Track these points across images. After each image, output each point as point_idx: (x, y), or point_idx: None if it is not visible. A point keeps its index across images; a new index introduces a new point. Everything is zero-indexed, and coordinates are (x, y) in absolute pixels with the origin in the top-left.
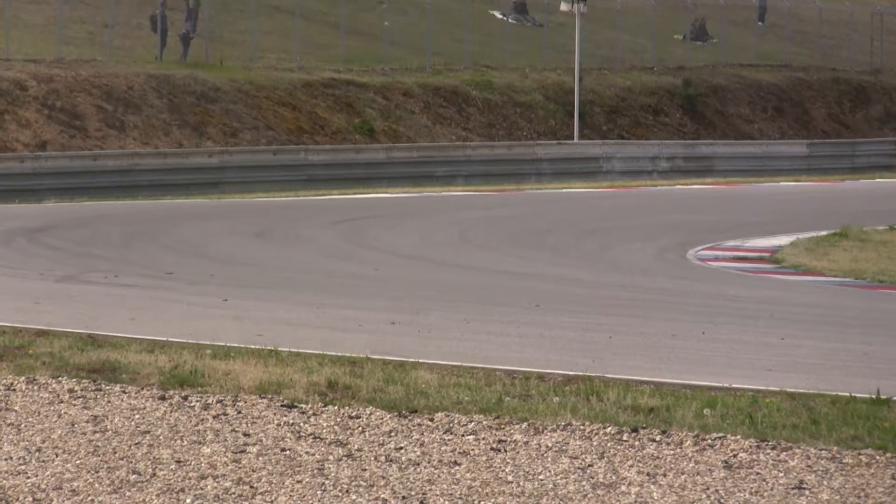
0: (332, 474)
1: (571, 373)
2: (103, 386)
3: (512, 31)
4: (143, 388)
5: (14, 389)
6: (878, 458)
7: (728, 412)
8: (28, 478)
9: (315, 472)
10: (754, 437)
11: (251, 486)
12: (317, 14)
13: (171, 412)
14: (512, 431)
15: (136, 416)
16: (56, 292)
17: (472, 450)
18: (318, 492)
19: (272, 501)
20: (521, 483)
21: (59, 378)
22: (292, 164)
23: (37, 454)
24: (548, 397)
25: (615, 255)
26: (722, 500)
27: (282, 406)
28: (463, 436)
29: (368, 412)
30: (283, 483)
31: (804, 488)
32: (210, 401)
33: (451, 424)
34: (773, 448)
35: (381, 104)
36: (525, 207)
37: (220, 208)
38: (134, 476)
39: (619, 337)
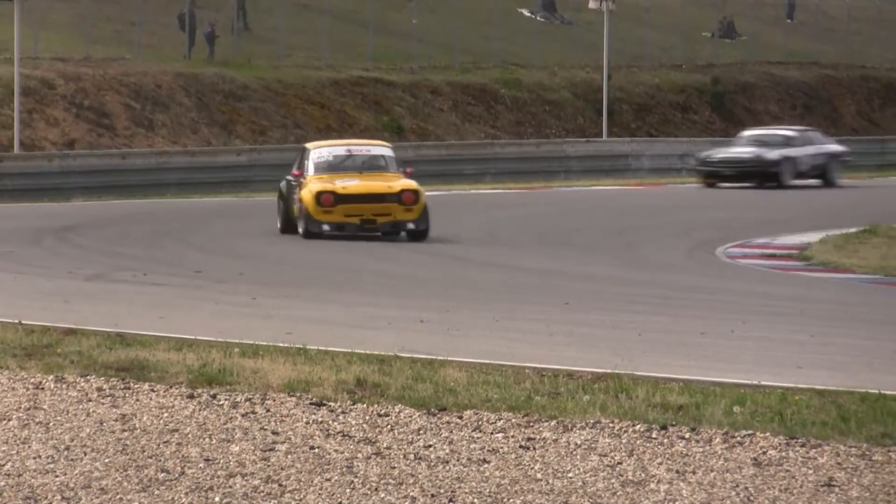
0: (361, 472)
1: (600, 370)
2: (132, 384)
3: (540, 29)
4: (171, 387)
5: (43, 388)
6: None
7: (757, 409)
8: (56, 476)
9: (344, 470)
10: (784, 435)
11: (280, 485)
12: (345, 12)
13: (200, 410)
14: (541, 429)
15: (165, 415)
16: (85, 291)
17: (501, 448)
18: (347, 490)
19: (301, 500)
20: (550, 481)
21: (88, 377)
22: None
23: (65, 453)
24: (577, 395)
25: (644, 253)
26: (751, 498)
27: (310, 404)
28: (492, 434)
29: (397, 410)
30: (312, 481)
31: (834, 485)
32: (239, 399)
33: (480, 422)
34: (803, 445)
35: (409, 102)
36: (554, 205)
37: (249, 207)
38: (163, 475)
39: (648, 334)
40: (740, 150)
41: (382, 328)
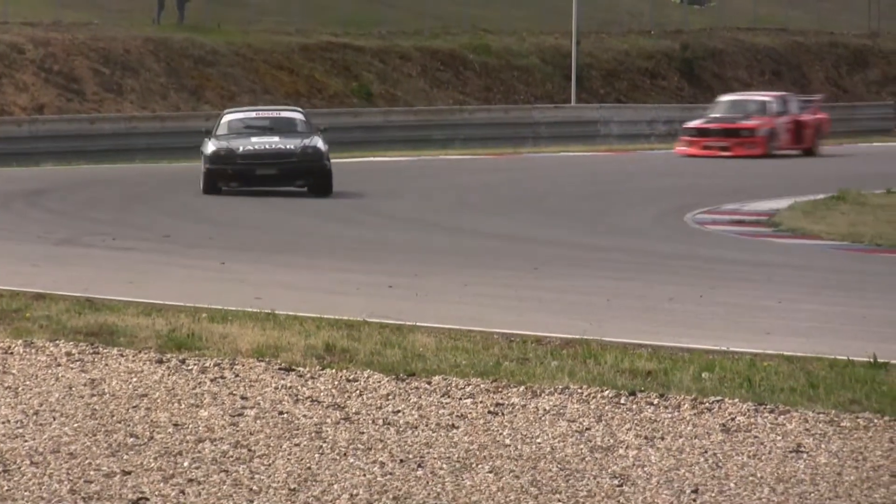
0: (330, 437)
1: (569, 336)
2: (101, 349)
3: None
4: (140, 352)
5: (11, 353)
6: (875, 421)
7: (726, 376)
8: (26, 441)
9: (313, 435)
10: (752, 401)
11: (249, 450)
12: None
13: (169, 375)
14: (509, 395)
15: (134, 380)
16: (54, 255)
17: (470, 413)
18: (316, 455)
19: (270, 464)
20: (519, 446)
21: (57, 341)
22: None
23: (34, 417)
24: (545, 361)
25: (613, 219)
26: (720, 464)
27: (279, 369)
28: (460, 399)
29: (366, 375)
30: (281, 446)
31: (802, 452)
32: (207, 364)
33: (449, 388)
34: (771, 412)
35: (378, 68)
36: (522, 171)
37: None
38: (132, 439)
39: (616, 300)
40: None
41: (351, 293)
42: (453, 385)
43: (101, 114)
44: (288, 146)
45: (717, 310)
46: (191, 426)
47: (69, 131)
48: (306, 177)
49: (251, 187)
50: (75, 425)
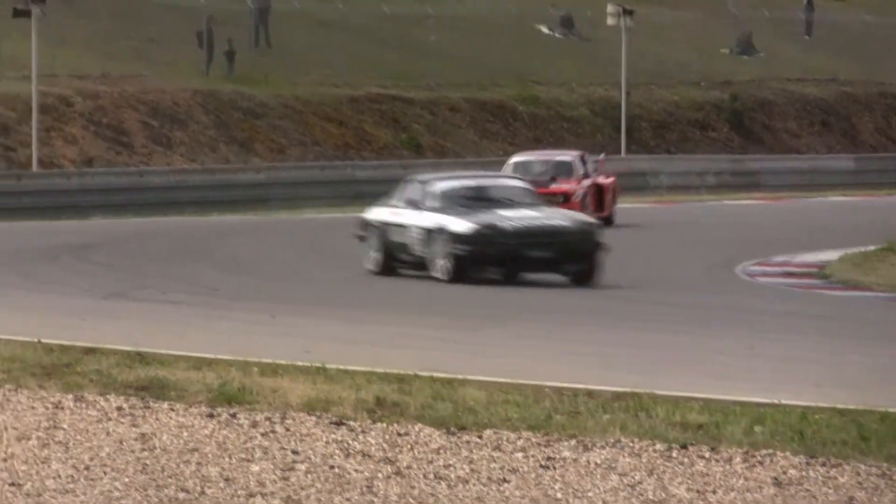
0: (381, 492)
1: (620, 389)
2: (151, 403)
3: (558, 46)
4: (191, 406)
5: (62, 407)
6: None
7: (777, 429)
8: (76, 496)
9: (364, 489)
10: (804, 454)
11: None
12: (363, 29)
13: (220, 430)
14: (561, 448)
15: (185, 434)
16: (103, 309)
17: (521, 467)
18: None
19: None
20: (570, 500)
21: (107, 395)
22: (339, 179)
23: (85, 472)
24: (597, 414)
25: (663, 271)
26: None
27: (330, 423)
28: (512, 453)
29: (417, 429)
30: (332, 501)
31: None
32: (258, 418)
33: (500, 441)
34: (823, 465)
35: (427, 119)
36: None
37: (267, 225)
38: (182, 494)
39: (668, 353)
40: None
41: (402, 346)
42: (504, 439)
43: (150, 166)
44: (560, 222)
45: (767, 362)
46: (242, 481)
47: (118, 184)
48: (582, 260)
49: (515, 274)
50: (126, 480)
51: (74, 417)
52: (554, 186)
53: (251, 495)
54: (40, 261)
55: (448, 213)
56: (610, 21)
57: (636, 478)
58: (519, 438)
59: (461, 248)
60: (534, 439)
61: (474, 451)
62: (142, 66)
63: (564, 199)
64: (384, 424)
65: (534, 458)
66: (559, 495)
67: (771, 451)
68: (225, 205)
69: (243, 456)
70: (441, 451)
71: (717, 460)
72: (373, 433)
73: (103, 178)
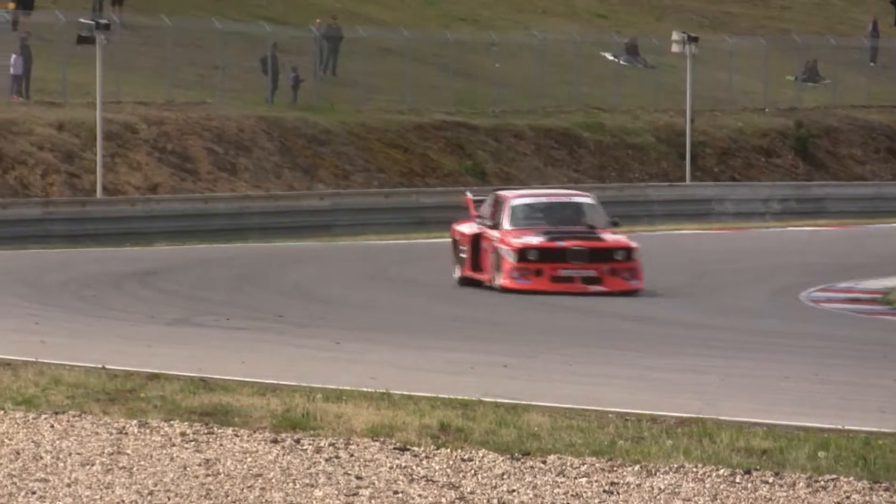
0: None
1: (684, 415)
2: (215, 429)
3: (623, 73)
4: (255, 432)
5: (126, 433)
6: None
7: (841, 454)
8: None
9: None
10: (867, 479)
11: None
12: (427, 56)
13: (284, 455)
14: (624, 474)
15: (249, 460)
16: (168, 335)
17: (585, 492)
18: None
19: None
20: None
21: (171, 421)
22: (404, 206)
23: (149, 497)
24: (660, 439)
25: (727, 297)
26: None
27: (394, 449)
28: (576, 478)
29: (481, 455)
30: None
31: None
32: (322, 444)
33: (564, 467)
34: (887, 489)
35: (492, 146)
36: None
37: (331, 251)
38: None
39: (731, 379)
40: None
41: (465, 373)
42: (568, 464)
43: (215, 193)
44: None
45: (832, 388)
46: None
47: (183, 210)
48: None
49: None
50: None
51: (138, 443)
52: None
53: None
54: (105, 287)
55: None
56: (675, 48)
57: (700, 503)
58: (583, 464)
59: None
60: (597, 465)
61: (538, 476)
62: (206, 93)
63: None
64: (448, 450)
65: (597, 483)
66: None
67: (834, 476)
68: (289, 231)
69: (307, 481)
70: (505, 477)
71: (780, 485)
72: (437, 459)
73: (168, 205)
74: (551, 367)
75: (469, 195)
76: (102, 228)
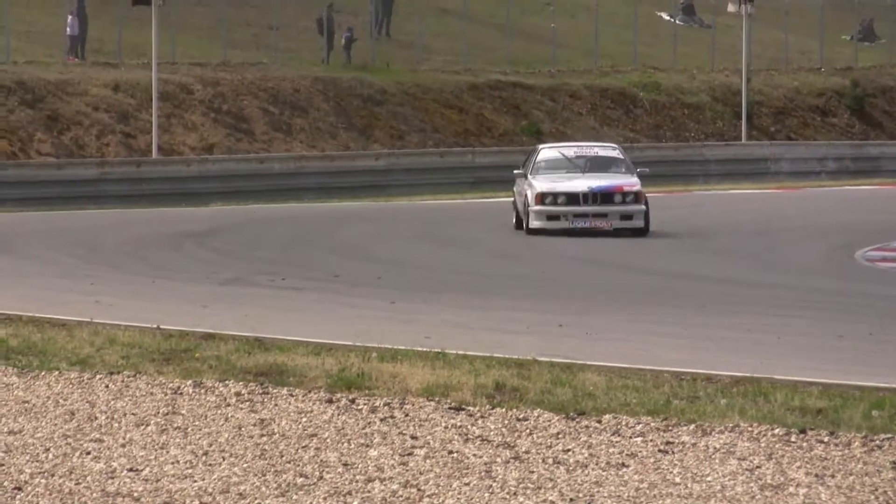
0: (500, 476)
1: (739, 374)
2: (270, 389)
3: (679, 33)
4: (310, 392)
5: (181, 393)
6: None
7: None
8: (195, 482)
9: (482, 474)
10: None
11: (418, 489)
12: (483, 16)
13: (338, 415)
14: (679, 433)
15: (303, 420)
16: (223, 295)
17: (640, 452)
18: (486, 494)
19: None
20: (689, 485)
21: (226, 381)
22: (459, 166)
23: (203, 458)
24: (715, 399)
25: (783, 256)
26: (890, 502)
27: (449, 408)
28: (630, 438)
29: (536, 414)
30: (451, 486)
31: None
32: (377, 403)
33: (619, 426)
34: None
35: (548, 106)
36: (692, 208)
37: (386, 211)
38: (301, 479)
39: (786, 338)
40: None
41: (521, 332)
42: (623, 424)
43: (270, 153)
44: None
45: (887, 347)
46: (360, 466)
47: (238, 171)
48: None
49: None
50: (244, 465)
51: (193, 403)
52: None
53: (369, 480)
54: (160, 248)
55: None
56: (731, 8)
57: (755, 462)
58: (638, 423)
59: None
60: (653, 424)
61: (593, 435)
62: (262, 53)
63: None
64: (503, 409)
65: (653, 442)
66: (678, 479)
67: (890, 435)
68: (344, 191)
69: (362, 441)
70: (560, 436)
71: (835, 444)
72: (492, 418)
73: (223, 165)
74: (607, 325)
75: None
76: (157, 189)
